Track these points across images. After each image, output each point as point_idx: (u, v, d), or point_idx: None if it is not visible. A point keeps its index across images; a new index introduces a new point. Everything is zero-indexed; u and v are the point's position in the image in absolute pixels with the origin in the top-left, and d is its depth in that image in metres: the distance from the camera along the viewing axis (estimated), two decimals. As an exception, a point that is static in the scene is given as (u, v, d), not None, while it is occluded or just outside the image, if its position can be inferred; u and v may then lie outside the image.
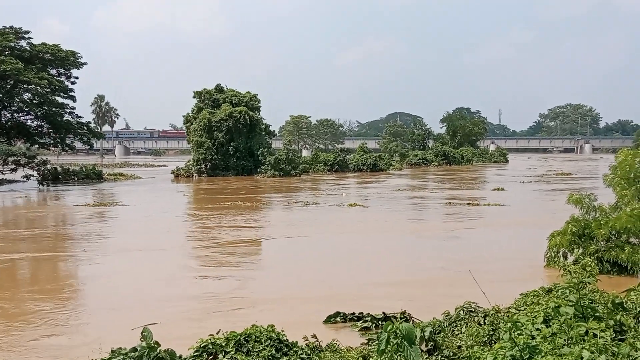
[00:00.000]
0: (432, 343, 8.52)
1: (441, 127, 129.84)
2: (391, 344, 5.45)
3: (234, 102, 70.54)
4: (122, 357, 7.33)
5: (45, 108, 60.09)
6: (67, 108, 62.19)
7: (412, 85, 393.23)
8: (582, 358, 5.64)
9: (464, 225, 26.61)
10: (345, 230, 25.33)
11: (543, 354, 5.72)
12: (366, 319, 11.69)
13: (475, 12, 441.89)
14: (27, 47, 59.46)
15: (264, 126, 73.43)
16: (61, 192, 48.39)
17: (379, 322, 11.42)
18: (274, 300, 13.87)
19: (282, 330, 8.68)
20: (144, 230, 25.75)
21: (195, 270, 17.58)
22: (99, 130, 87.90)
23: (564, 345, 6.08)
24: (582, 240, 16.78)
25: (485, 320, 9.36)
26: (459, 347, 8.39)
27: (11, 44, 58.06)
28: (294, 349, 8.49)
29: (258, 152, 67.53)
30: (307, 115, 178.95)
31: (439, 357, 8.23)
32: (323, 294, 14.37)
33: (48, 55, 60.54)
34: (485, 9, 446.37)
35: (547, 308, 7.05)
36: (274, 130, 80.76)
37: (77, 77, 63.26)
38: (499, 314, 9.32)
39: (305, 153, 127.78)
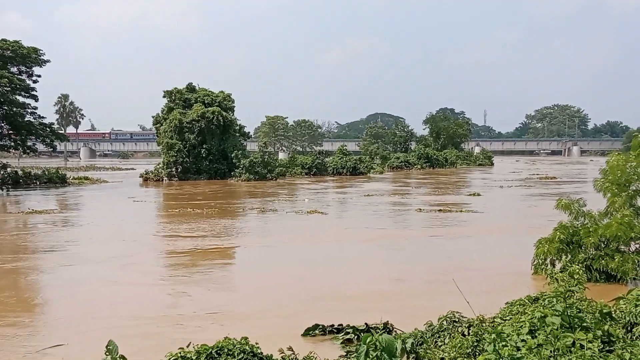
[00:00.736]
0: (413, 355, 8.53)
1: (424, 129, 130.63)
2: (370, 356, 5.46)
3: (206, 102, 70.31)
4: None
5: (5, 108, 59.43)
6: (28, 108, 61.59)
7: (394, 86, 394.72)
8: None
9: (431, 233, 26.74)
10: (296, 238, 25.19)
11: (528, 366, 5.76)
12: (348, 330, 11.66)
13: (460, 11, 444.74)
14: (-15, 44, 58.83)
15: (238, 127, 73.29)
16: (22, 196, 47.86)
17: (362, 333, 11.39)
18: (247, 314, 13.78)
19: (257, 343, 8.65)
20: (101, 241, 25.27)
21: (157, 283, 17.44)
22: (62, 132, 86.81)
23: (550, 357, 6.12)
24: (571, 248, 16.87)
25: (469, 331, 9.39)
26: (442, 359, 8.41)
27: (-32, 40, 57.42)
28: (269, 362, 8.45)
29: (232, 155, 67.32)
30: (284, 115, 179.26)
31: (421, 370, 8.25)
32: (300, 306, 14.32)
33: (8, 52, 59.91)
34: (471, 8, 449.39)
35: (533, 318, 7.10)
36: (248, 132, 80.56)
37: (39, 76, 62.73)
38: (484, 324, 9.35)
39: (281, 155, 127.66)
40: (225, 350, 8.33)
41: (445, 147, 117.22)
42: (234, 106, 73.53)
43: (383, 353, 5.43)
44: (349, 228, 28.40)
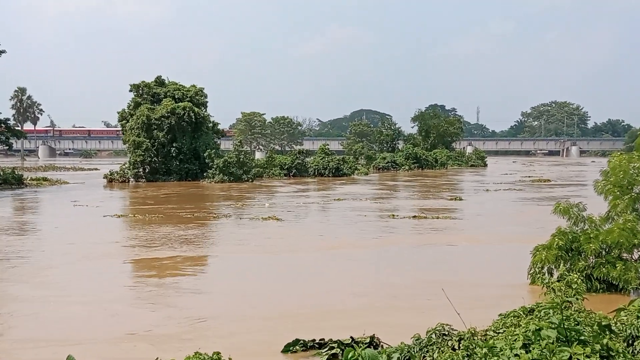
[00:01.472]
0: (400, 371, 8.54)
1: (412, 127, 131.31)
2: (353, 373, 5.45)
3: (177, 96, 70.13)
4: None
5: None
6: (-19, 102, 61.04)
7: (380, 80, 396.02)
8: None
9: (397, 241, 26.72)
10: (240, 249, 24.90)
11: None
12: (332, 345, 11.62)
13: (450, 0, 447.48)
14: None
15: (211, 124, 73.17)
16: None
17: (348, 347, 11.35)
18: (219, 330, 13.73)
19: (230, 358, 8.63)
20: (54, 251, 24.99)
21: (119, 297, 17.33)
22: (19, 128, 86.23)
23: (546, 372, 6.16)
24: (570, 255, 16.93)
25: (460, 345, 9.42)
26: (430, 375, 8.43)
27: None
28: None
29: (205, 154, 67.11)
30: (261, 112, 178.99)
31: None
32: (278, 321, 14.30)
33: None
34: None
35: (527, 331, 7.14)
36: (223, 129, 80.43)
37: (-7, 67, 62.18)
38: (475, 338, 9.39)
39: (258, 155, 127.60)
40: (196, 366, 8.31)
41: (435, 146, 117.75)
42: (207, 101, 73.47)
43: (366, 369, 5.43)
44: (304, 236, 28.22)
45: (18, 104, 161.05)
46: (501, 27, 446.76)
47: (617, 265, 16.11)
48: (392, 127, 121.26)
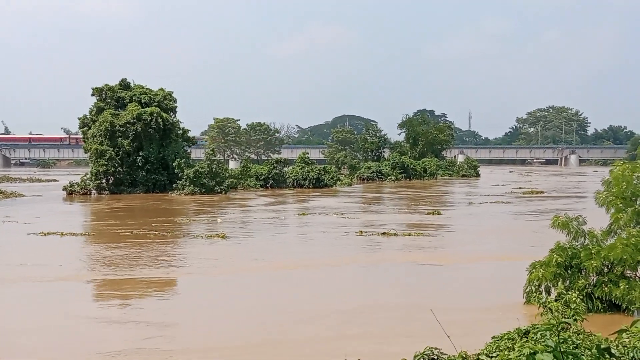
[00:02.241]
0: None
1: (399, 134, 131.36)
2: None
3: (143, 101, 69.99)
4: None
5: None
6: None
7: (364, 83, 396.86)
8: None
9: (359, 260, 26.78)
10: (167, 270, 24.77)
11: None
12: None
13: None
14: None
15: (181, 131, 73.02)
16: None
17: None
18: None
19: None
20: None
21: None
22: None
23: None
24: (570, 272, 16.96)
25: (450, 371, 9.44)
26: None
27: None
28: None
29: (174, 164, 66.93)
30: (236, 118, 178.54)
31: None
32: (259, 349, 14.31)
33: None
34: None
35: (521, 355, 7.15)
36: (193, 137, 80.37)
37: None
38: (467, 363, 9.41)
39: (232, 164, 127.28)
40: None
41: (423, 155, 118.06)
42: (176, 106, 73.42)
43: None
44: (241, 258, 27.69)
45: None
46: (496, 26, 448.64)
47: (620, 284, 16.15)
48: (378, 134, 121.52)
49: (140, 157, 67.47)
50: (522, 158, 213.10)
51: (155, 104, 69.86)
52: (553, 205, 50.84)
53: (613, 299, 16.21)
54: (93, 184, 66.68)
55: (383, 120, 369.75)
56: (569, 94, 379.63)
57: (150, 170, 68.03)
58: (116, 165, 66.93)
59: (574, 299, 9.83)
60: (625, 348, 8.70)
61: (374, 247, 30.40)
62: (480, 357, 9.67)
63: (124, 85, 72.75)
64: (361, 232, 34.64)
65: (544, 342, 7.32)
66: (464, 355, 9.74)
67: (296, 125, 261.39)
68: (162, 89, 73.35)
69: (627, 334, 9.55)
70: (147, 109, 67.98)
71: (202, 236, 33.27)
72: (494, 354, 9.42)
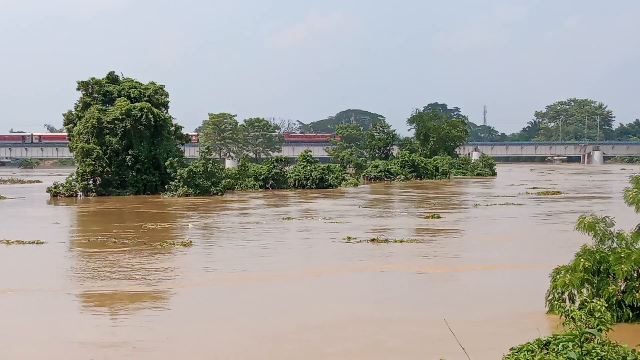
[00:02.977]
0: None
1: (409, 130, 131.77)
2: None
3: (133, 95, 70.00)
4: None
5: None
6: None
7: (371, 76, 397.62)
8: None
9: (339, 269, 26.11)
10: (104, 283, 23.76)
11: None
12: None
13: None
14: None
15: (174, 128, 72.97)
16: None
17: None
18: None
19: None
20: None
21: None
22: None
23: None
24: (598, 277, 16.85)
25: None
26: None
27: None
28: None
29: (166, 163, 66.89)
30: (232, 113, 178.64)
31: None
32: None
33: None
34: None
35: (542, 368, 7.15)
36: (187, 134, 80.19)
37: None
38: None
39: (229, 164, 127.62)
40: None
41: (435, 152, 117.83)
42: (169, 101, 73.44)
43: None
44: (198, 269, 26.65)
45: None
46: (511, 13, 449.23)
47: (652, 289, 16.08)
48: (386, 130, 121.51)
49: (130, 156, 67.54)
50: (541, 155, 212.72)
51: (146, 98, 69.83)
52: (568, 207, 50.37)
53: (645, 307, 16.15)
54: (79, 185, 66.63)
55: (391, 115, 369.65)
56: (591, 86, 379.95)
57: (141, 170, 68.02)
58: (104, 164, 66.91)
59: (598, 307, 9.79)
60: (654, 360, 8.69)
61: (359, 254, 29.48)
62: (497, 370, 9.67)
63: (112, 78, 72.76)
64: (349, 238, 33.75)
65: (565, 354, 7.34)
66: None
67: (298, 121, 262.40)
68: (153, 83, 73.37)
69: (656, 345, 9.55)
70: (137, 104, 67.97)
71: (163, 244, 32.17)
72: (513, 367, 9.40)
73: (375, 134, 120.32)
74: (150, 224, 40.81)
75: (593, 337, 8.14)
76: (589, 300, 13.24)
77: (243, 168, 79.39)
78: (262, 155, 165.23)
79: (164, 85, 73.44)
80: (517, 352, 10.10)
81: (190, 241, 33.06)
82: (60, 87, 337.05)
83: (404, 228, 39.03)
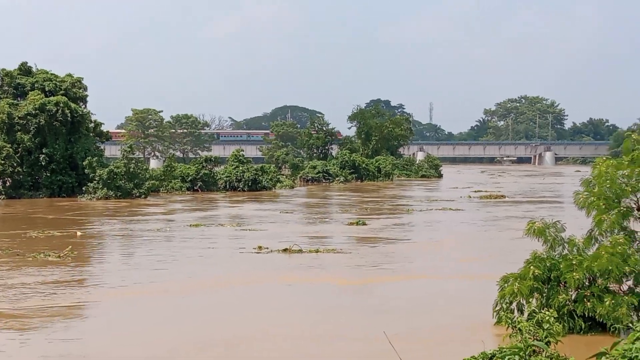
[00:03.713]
0: None
1: (350, 128, 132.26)
2: None
3: (47, 89, 69.14)
4: None
5: None
6: None
7: (309, 70, 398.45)
8: None
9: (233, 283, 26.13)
10: None
11: None
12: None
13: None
14: None
15: (93, 125, 72.31)
16: None
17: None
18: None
19: None
20: None
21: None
22: None
23: None
24: (549, 286, 16.98)
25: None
26: None
27: None
28: None
29: (84, 163, 66.03)
30: (158, 109, 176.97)
31: None
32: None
33: None
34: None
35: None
36: (108, 131, 79.40)
37: None
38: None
39: (154, 164, 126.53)
40: None
41: (378, 152, 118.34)
42: (87, 95, 72.77)
43: None
44: (93, 285, 26.16)
45: None
46: (460, 5, 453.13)
47: (604, 299, 16.20)
48: (325, 128, 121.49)
49: (44, 155, 66.51)
50: (490, 156, 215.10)
51: (62, 92, 68.99)
52: (508, 212, 51.29)
53: (597, 317, 16.27)
54: (-13, 187, 65.54)
55: (331, 112, 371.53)
56: (544, 84, 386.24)
57: (56, 171, 67.04)
58: (15, 164, 65.78)
59: (547, 317, 9.85)
60: (605, 374, 8.76)
61: (265, 266, 29.36)
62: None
63: (25, 70, 71.72)
64: (260, 247, 33.41)
65: (511, 368, 7.35)
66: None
67: (229, 118, 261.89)
68: (70, 75, 72.48)
69: (607, 358, 9.62)
70: (52, 98, 66.98)
71: (39, 256, 30.95)
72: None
73: (313, 132, 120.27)
74: (36, 232, 39.53)
75: (541, 350, 8.16)
76: (537, 310, 13.36)
77: (169, 169, 78.84)
78: (191, 155, 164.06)
79: (83, 78, 72.72)
80: (461, 367, 10.13)
81: (70, 252, 31.61)
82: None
83: (326, 236, 39.03)
